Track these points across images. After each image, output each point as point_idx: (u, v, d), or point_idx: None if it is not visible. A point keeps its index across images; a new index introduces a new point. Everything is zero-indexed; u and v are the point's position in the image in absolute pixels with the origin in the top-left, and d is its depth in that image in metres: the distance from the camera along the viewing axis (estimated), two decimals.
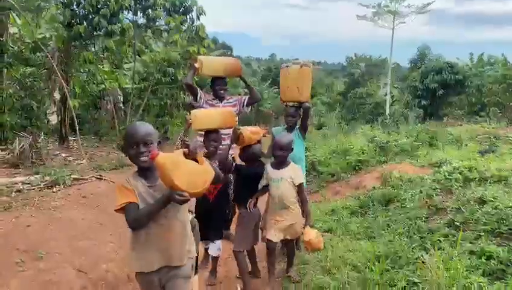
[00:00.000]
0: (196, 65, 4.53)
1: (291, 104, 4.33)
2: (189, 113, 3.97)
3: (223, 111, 4.28)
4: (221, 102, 4.73)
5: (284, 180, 3.68)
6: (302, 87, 4.19)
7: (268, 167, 3.79)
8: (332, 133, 14.19)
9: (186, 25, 12.96)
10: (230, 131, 4.19)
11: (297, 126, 4.46)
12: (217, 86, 4.73)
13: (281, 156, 3.70)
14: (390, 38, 29.23)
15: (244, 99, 4.86)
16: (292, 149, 3.81)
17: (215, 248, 4.04)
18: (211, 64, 4.65)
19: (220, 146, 4.09)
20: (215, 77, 4.73)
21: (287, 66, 4.30)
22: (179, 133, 4.67)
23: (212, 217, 3.89)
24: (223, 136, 4.22)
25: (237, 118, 4.43)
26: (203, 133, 4.02)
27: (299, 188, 3.72)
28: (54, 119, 10.09)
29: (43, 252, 3.91)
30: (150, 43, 12.25)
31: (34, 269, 3.64)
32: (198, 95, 4.66)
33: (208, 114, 4.23)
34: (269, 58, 75.45)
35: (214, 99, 4.73)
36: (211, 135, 3.85)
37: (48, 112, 9.73)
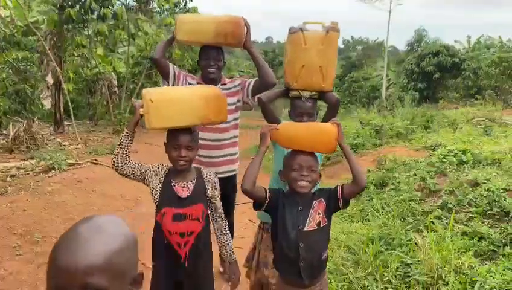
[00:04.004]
0: (172, 29, 2.99)
1: (306, 94, 2.59)
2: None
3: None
4: None
5: None
6: (328, 67, 2.53)
7: None
8: None
9: (179, 7, 12.83)
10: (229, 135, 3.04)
11: None
12: (204, 61, 2.97)
13: None
14: (387, 21, 28.99)
15: (249, 84, 3.03)
16: None
17: None
18: (193, 24, 2.87)
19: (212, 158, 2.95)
20: (203, 46, 3.00)
21: (302, 30, 2.52)
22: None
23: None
24: (222, 142, 2.98)
25: (239, 112, 3.14)
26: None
27: None
28: (47, 104, 10.03)
29: (39, 235, 3.93)
30: (143, 27, 12.10)
31: (30, 252, 3.66)
32: (171, 74, 3.01)
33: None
34: (265, 41, 74.79)
35: (199, 83, 3.04)
36: (181, 136, 2.10)
37: (41, 96, 9.66)
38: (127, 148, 2.11)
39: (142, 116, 2.05)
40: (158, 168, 2.17)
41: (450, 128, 9.70)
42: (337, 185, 2.10)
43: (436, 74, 22.42)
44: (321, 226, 2.08)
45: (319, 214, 2.08)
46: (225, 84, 3.06)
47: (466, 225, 3.99)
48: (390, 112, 13.71)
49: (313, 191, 2.13)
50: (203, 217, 2.15)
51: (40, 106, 10.32)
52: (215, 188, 2.22)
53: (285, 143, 2.22)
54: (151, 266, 3.65)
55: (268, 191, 2.09)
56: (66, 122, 11.32)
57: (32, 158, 6.86)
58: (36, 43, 10.49)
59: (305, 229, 2.04)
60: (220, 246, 2.28)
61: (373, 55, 34.83)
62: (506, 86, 20.13)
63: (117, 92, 13.93)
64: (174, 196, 2.10)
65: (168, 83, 3.02)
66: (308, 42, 2.52)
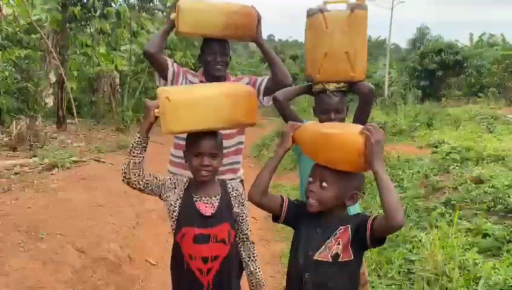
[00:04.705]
0: (171, 16, 2.48)
1: (332, 86, 2.24)
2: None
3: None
4: None
5: None
6: (356, 52, 2.18)
7: None
8: None
9: None
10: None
11: None
12: (210, 56, 2.54)
13: None
14: (389, 19, 28.93)
15: (261, 83, 2.65)
16: None
17: None
18: (199, 15, 2.44)
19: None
20: (207, 39, 2.58)
21: (322, 11, 2.18)
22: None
23: None
24: (226, 149, 2.21)
25: None
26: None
27: None
28: (50, 101, 10.07)
29: (44, 232, 3.94)
30: (146, 25, 12.11)
31: (35, 249, 3.67)
32: (169, 71, 2.57)
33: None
34: (267, 39, 74.58)
35: (201, 81, 2.62)
36: (204, 141, 1.80)
37: (44, 94, 9.69)
38: (139, 157, 1.78)
39: (157, 118, 1.76)
40: (177, 179, 1.87)
41: (453, 126, 9.68)
42: (370, 216, 1.59)
43: (439, 72, 22.34)
44: (339, 260, 1.58)
45: (338, 244, 1.59)
46: (231, 82, 2.65)
47: (470, 221, 3.99)
48: (393, 110, 13.69)
49: (352, 212, 1.74)
50: (230, 238, 1.82)
51: (43, 104, 10.36)
52: (242, 204, 1.90)
53: (306, 150, 1.76)
54: (156, 263, 3.62)
55: (286, 201, 1.75)
56: (68, 120, 11.35)
57: (35, 156, 6.88)
58: (39, 41, 10.52)
59: (315, 257, 1.61)
60: (247, 275, 1.95)
61: (375, 53, 34.77)
62: (509, 83, 20.07)
63: (119, 90, 13.95)
64: (196, 213, 1.80)
65: (167, 81, 2.58)
66: (330, 24, 2.16)
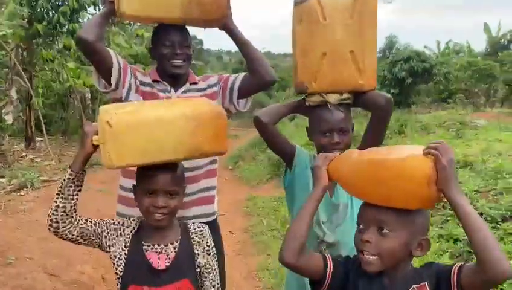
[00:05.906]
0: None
1: (334, 98, 1.71)
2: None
3: None
4: (177, 90, 2.04)
5: None
6: (364, 52, 1.67)
7: None
8: (304, 123, 14.33)
9: None
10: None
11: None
12: (166, 49, 1.96)
13: None
14: None
15: (234, 82, 2.10)
16: None
17: None
18: None
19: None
20: (162, 25, 1.98)
21: None
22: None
23: None
24: (196, 171, 2.00)
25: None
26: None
27: None
28: (9, 119, 9.78)
29: (12, 257, 3.80)
30: (115, 39, 12.01)
31: (4, 275, 3.54)
32: (114, 66, 1.92)
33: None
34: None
35: (156, 81, 2.03)
36: (158, 177, 1.42)
37: (3, 111, 9.42)
38: (72, 200, 1.40)
39: (96, 147, 1.38)
40: (123, 224, 1.47)
41: (424, 133, 9.93)
42: (453, 266, 1.18)
43: (408, 80, 22.92)
44: None
45: None
46: (196, 83, 2.09)
47: (442, 227, 4.08)
48: (365, 118, 13.94)
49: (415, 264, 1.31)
50: None
51: (10, 123, 10.07)
52: (209, 253, 1.51)
53: (348, 186, 1.33)
54: None
55: (330, 260, 1.31)
56: (38, 138, 11.05)
57: (3, 176, 6.67)
58: (3, 58, 10.27)
59: None
60: None
61: None
62: (475, 89, 20.80)
63: (91, 105, 13.72)
64: (146, 266, 1.41)
65: (110, 84, 1.94)
66: (329, 15, 1.62)
